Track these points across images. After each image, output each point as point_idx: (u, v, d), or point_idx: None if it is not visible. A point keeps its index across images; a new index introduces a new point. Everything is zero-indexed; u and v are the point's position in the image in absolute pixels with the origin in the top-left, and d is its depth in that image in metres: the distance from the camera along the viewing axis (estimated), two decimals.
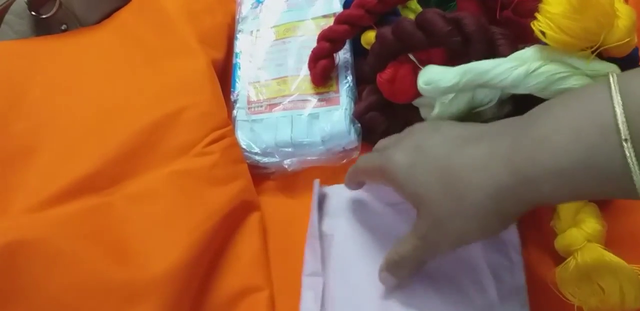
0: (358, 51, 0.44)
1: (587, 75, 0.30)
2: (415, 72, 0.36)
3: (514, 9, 0.36)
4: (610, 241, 0.33)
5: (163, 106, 0.41)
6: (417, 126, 0.33)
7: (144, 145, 0.39)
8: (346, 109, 0.42)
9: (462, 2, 0.38)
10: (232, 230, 0.38)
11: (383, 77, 0.38)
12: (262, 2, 0.51)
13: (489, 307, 0.32)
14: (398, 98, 0.39)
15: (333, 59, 0.44)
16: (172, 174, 0.38)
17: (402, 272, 0.32)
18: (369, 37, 0.41)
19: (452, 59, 0.35)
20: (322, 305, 0.33)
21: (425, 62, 0.36)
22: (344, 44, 0.43)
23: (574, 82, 0.29)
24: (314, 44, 0.43)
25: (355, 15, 0.41)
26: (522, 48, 0.32)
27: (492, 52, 0.33)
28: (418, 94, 0.36)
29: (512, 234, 0.33)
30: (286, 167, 0.43)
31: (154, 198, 0.37)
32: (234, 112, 0.46)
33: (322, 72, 0.43)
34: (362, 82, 0.44)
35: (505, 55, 0.32)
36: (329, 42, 0.42)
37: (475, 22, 0.33)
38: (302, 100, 0.44)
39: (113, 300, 0.32)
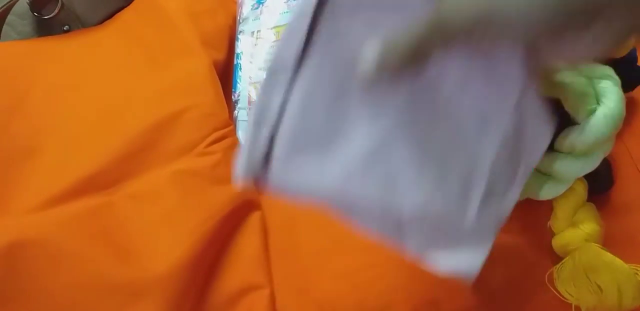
0: None
1: (581, 75, 0.30)
2: None
3: None
4: (607, 241, 0.34)
5: (165, 107, 0.41)
6: None
7: (146, 145, 0.39)
8: None
9: None
10: (234, 229, 0.39)
11: None
12: (262, 3, 0.52)
13: (462, 206, 0.25)
14: None
15: None
16: (174, 174, 0.38)
17: (391, 59, 0.21)
18: None
19: None
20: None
21: None
22: None
23: (567, 80, 0.30)
24: None
25: None
26: None
27: None
28: None
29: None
30: None
31: (156, 197, 0.37)
32: (235, 112, 0.47)
33: None
34: None
35: None
36: None
37: None
38: None
39: (115, 298, 0.32)
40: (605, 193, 0.37)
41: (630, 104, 0.31)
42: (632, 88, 0.38)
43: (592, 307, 0.31)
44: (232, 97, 0.47)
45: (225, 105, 0.44)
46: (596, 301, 0.31)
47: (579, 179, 0.35)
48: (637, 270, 0.32)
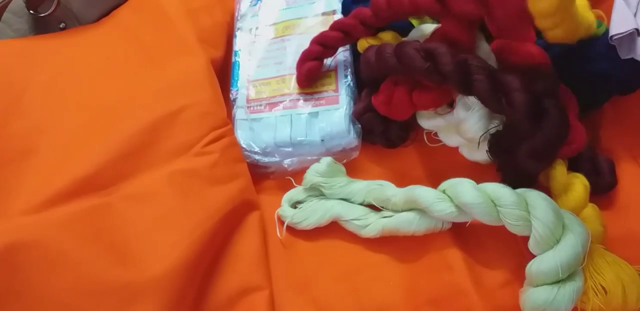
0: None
1: None
2: (410, 94, 0.37)
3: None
4: (610, 242, 0.33)
5: (162, 105, 0.41)
6: None
7: (143, 145, 0.39)
8: (346, 108, 0.42)
9: (446, 23, 0.37)
10: (232, 230, 0.38)
11: (378, 99, 0.39)
12: (261, 0, 0.51)
13: None
14: (395, 117, 0.39)
15: (321, 63, 0.43)
16: (172, 174, 0.37)
17: None
18: (362, 45, 0.41)
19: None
20: None
21: (418, 83, 0.36)
22: (335, 50, 0.43)
23: None
24: None
25: (348, 24, 0.41)
26: None
27: (468, 87, 0.33)
28: (414, 112, 0.36)
29: None
30: (286, 166, 0.43)
31: (153, 198, 0.36)
32: (234, 110, 0.46)
33: (307, 73, 0.43)
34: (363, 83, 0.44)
35: (480, 92, 0.32)
36: (320, 46, 0.42)
37: (450, 61, 0.33)
38: (302, 99, 0.44)
39: (113, 300, 0.32)
40: (607, 193, 0.37)
41: (630, 102, 0.31)
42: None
43: (597, 308, 0.31)
44: (230, 95, 0.47)
45: (223, 104, 0.44)
46: (601, 302, 0.31)
47: (580, 180, 0.34)
48: None
